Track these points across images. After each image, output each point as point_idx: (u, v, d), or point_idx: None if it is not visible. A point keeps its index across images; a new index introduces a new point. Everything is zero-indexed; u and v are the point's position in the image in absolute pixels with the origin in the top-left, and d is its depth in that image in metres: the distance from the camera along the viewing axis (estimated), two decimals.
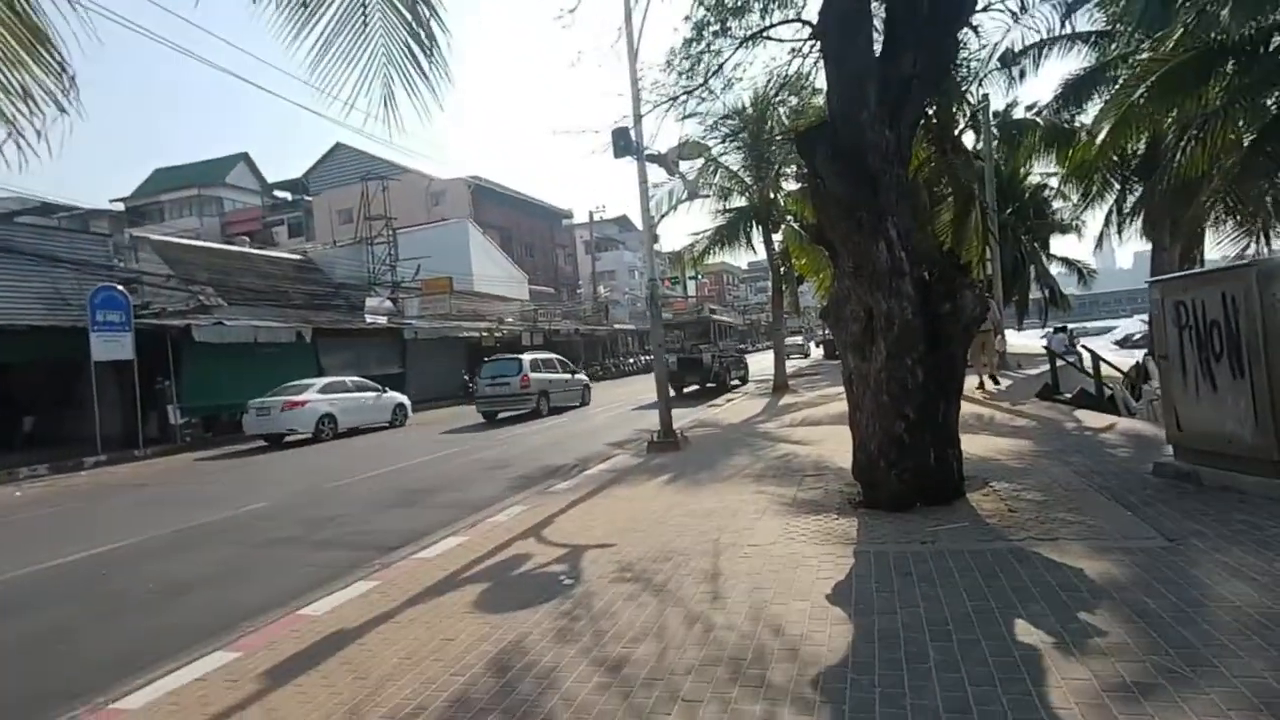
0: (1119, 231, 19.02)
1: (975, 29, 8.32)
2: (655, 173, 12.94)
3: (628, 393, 23.43)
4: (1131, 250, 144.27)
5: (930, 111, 11.32)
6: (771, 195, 18.58)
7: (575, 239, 53.31)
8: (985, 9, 8.84)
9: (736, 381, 23.19)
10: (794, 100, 13.12)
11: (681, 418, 13.34)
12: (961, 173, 14.69)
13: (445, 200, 40.38)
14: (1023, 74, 15.40)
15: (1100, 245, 20.59)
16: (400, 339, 24.80)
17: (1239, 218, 12.00)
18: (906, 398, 5.42)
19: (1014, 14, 11.91)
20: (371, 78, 4.25)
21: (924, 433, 5.45)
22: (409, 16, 3.86)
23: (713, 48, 8.05)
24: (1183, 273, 8.98)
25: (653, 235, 12.37)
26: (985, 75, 14.27)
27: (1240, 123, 11.22)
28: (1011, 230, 22.84)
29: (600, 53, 27.86)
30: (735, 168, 18.59)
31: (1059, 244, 27.08)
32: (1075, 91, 15.02)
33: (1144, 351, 17.85)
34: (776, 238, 19.03)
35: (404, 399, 18.98)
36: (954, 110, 14.52)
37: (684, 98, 8.41)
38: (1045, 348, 17.70)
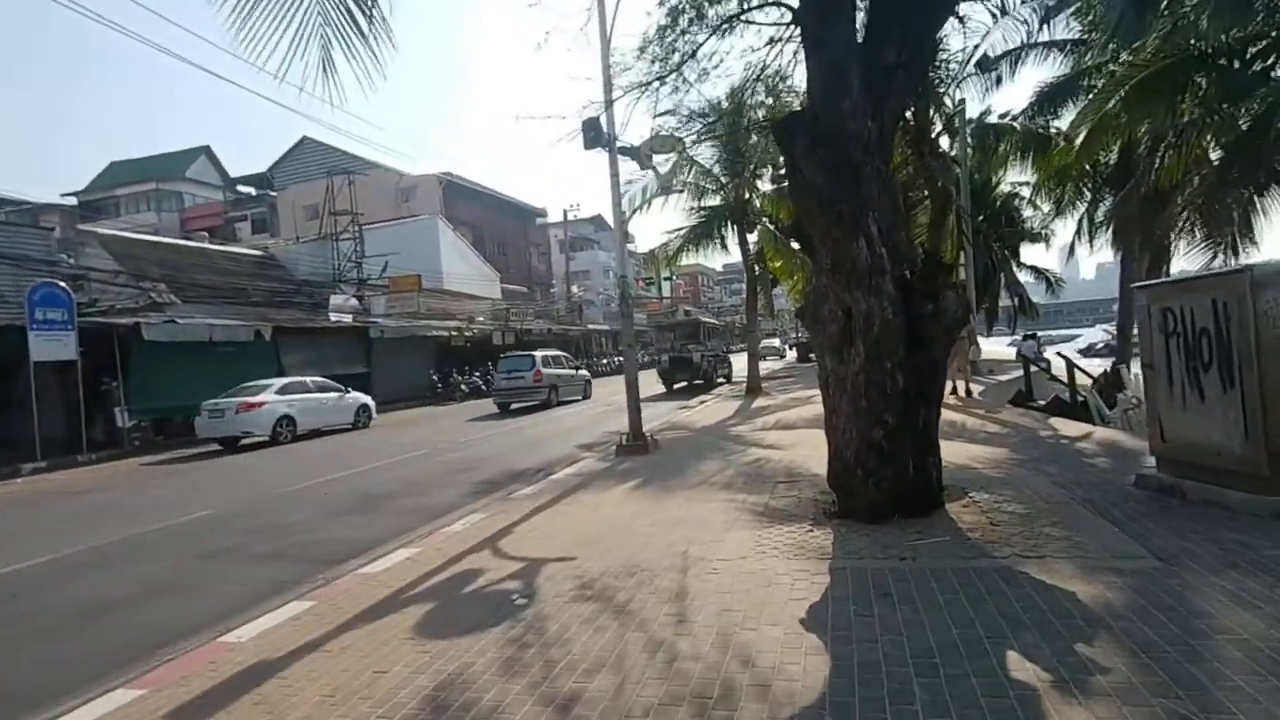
0: (1090, 241, 19.17)
1: (962, 19, 8.10)
2: (628, 168, 12.63)
3: (606, 392, 22.99)
4: (1095, 262, 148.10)
5: (909, 114, 11.18)
6: (747, 195, 18.33)
7: (550, 238, 52.56)
8: None
9: (722, 379, 24.61)
10: (770, 102, 12.87)
11: (654, 419, 13.00)
12: (940, 175, 14.59)
13: (416, 197, 39.42)
14: (999, 80, 15.36)
15: (1072, 254, 20.73)
16: (365, 338, 24.06)
17: (1209, 230, 12.03)
18: (886, 402, 5.14)
19: (993, 14, 11.84)
20: (307, 39, 3.85)
21: (903, 439, 5.19)
22: None
23: (686, 36, 7.71)
24: (1172, 278, 8.86)
25: (625, 232, 12.03)
26: (963, 79, 14.16)
27: (1208, 138, 11.25)
28: (984, 237, 22.92)
29: (569, 35, 26.70)
30: (709, 164, 18.30)
31: (1028, 253, 27.42)
32: (1050, 99, 15.03)
33: (1112, 360, 18.00)
34: (751, 238, 18.78)
35: (368, 400, 18.34)
36: (931, 113, 14.43)
37: (656, 84, 8.05)
38: (1018, 354, 17.75)
